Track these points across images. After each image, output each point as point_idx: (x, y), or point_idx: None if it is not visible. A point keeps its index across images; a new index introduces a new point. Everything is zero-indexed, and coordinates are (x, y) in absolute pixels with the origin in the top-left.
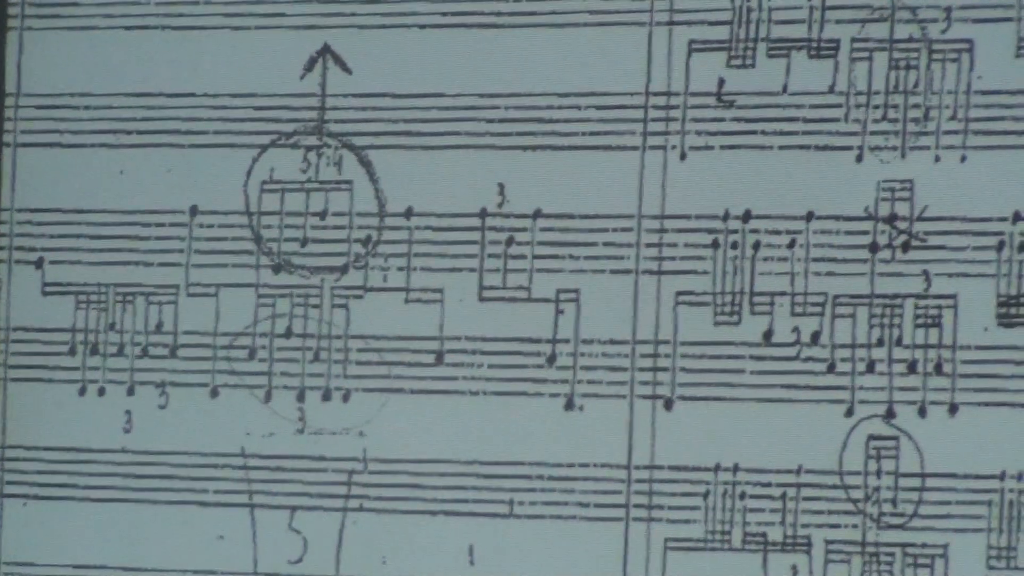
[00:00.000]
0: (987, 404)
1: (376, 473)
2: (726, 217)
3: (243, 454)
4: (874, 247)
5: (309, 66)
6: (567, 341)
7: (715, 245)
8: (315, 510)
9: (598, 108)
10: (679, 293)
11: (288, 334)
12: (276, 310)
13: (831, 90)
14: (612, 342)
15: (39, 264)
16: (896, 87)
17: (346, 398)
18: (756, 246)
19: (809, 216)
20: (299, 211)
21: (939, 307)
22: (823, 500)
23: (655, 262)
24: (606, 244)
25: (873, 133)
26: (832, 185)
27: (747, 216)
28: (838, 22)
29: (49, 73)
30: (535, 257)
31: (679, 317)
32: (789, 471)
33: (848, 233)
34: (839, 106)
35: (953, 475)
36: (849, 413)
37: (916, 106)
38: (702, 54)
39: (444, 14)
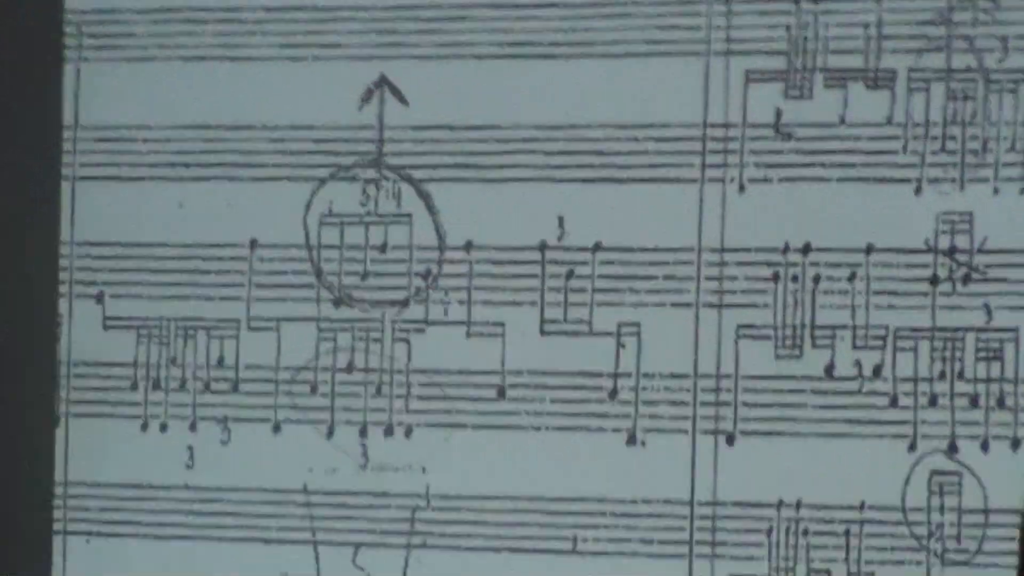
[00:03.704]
0: None
1: (439, 509)
2: (786, 250)
3: (306, 490)
4: (934, 280)
5: (367, 97)
6: (628, 375)
7: (775, 278)
8: (379, 546)
9: (656, 140)
10: (740, 326)
11: (350, 368)
12: (337, 344)
13: (889, 121)
14: (673, 376)
15: (100, 298)
16: (954, 118)
17: (408, 433)
18: (816, 279)
19: (869, 249)
20: (359, 244)
21: (1000, 340)
22: (887, 536)
23: (716, 295)
24: (666, 277)
25: (931, 165)
26: (891, 217)
27: (807, 249)
28: (894, 52)
29: (107, 105)
30: (595, 290)
31: (740, 351)
32: (852, 507)
33: (908, 266)
34: (897, 137)
35: (1016, 511)
36: (912, 448)
37: (974, 137)
38: (759, 84)
39: (502, 44)
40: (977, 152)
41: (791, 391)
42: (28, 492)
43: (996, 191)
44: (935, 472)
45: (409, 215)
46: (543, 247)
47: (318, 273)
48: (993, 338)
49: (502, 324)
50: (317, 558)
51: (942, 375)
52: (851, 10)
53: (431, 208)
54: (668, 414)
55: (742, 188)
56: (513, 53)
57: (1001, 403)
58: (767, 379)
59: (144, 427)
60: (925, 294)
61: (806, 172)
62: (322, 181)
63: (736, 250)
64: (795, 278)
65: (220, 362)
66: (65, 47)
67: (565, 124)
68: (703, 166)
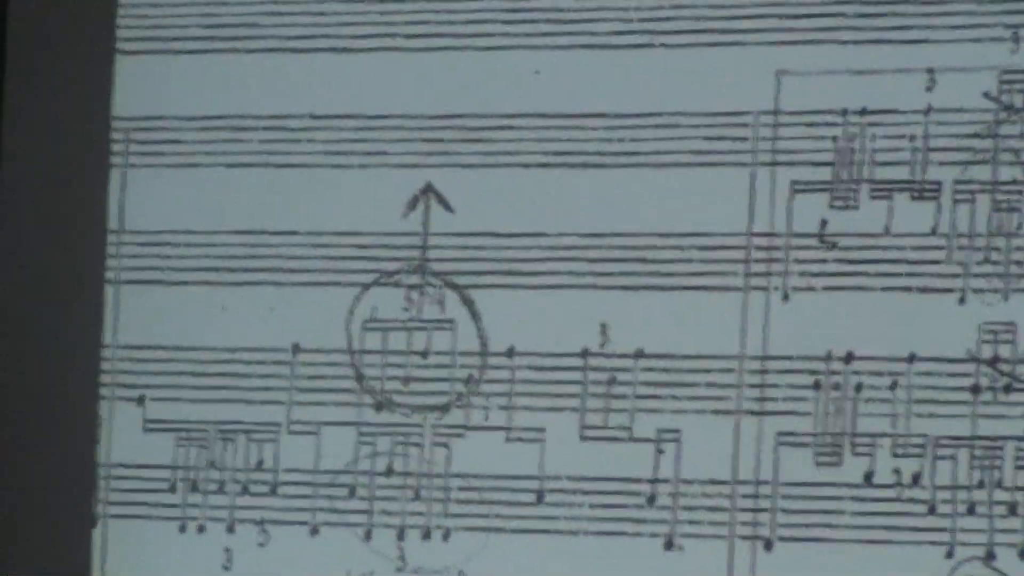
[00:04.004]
0: None
1: None
2: (828, 358)
3: None
4: (976, 389)
5: (412, 205)
6: (667, 481)
7: (817, 386)
8: None
9: (700, 248)
10: (780, 434)
11: (389, 472)
12: (377, 448)
13: (933, 232)
14: (713, 482)
15: (140, 401)
16: (999, 229)
17: (446, 537)
18: (858, 387)
19: (911, 358)
20: (401, 349)
21: None
22: None
23: (757, 403)
24: (708, 384)
25: (975, 275)
26: (934, 327)
27: (849, 357)
28: (941, 164)
29: (151, 210)
30: (637, 396)
31: (780, 458)
32: None
33: (950, 375)
34: (942, 247)
35: None
36: (949, 555)
37: (1019, 248)
38: (805, 195)
39: (547, 153)
40: (1022, 263)
41: (830, 498)
42: None
43: None
44: None
45: (452, 320)
46: (585, 353)
47: (359, 378)
48: None
49: (542, 429)
50: None
51: (981, 483)
52: (898, 122)
53: (474, 314)
54: (707, 519)
55: (786, 297)
56: (559, 162)
57: None
58: (806, 485)
59: (182, 528)
60: (967, 403)
61: (850, 281)
62: (366, 287)
63: (778, 357)
64: (837, 386)
65: (259, 465)
66: (112, 153)
67: (609, 232)
68: (747, 274)
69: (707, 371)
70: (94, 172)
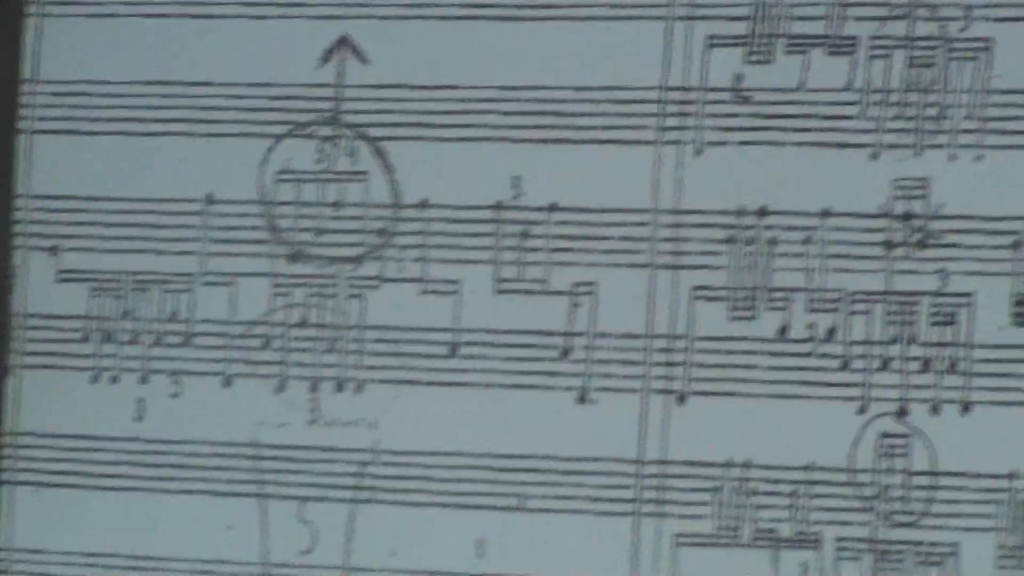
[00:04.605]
0: (1001, 403)
1: (387, 465)
2: (742, 213)
3: (255, 444)
4: (889, 244)
5: (326, 56)
6: (582, 334)
7: (731, 241)
8: (325, 501)
9: (615, 102)
10: (695, 288)
11: (303, 324)
12: (291, 300)
13: (848, 87)
14: (627, 336)
15: (54, 251)
16: (913, 85)
17: (359, 389)
18: (772, 242)
19: (825, 213)
20: (314, 201)
21: (955, 305)
22: (834, 497)
23: (672, 257)
24: (622, 238)
25: (889, 131)
26: (848, 182)
27: (763, 212)
28: (858, 19)
29: (66, 60)
30: (551, 250)
31: (695, 312)
32: (800, 468)
33: (864, 230)
34: (856, 103)
35: (965, 474)
36: (862, 410)
37: (932, 104)
38: (721, 49)
39: (464, 6)
40: (935, 119)
41: (744, 352)
42: None
43: (952, 157)
44: (884, 435)
45: (365, 173)
46: (499, 206)
47: (273, 229)
48: (947, 303)
49: (457, 282)
50: (264, 512)
51: (895, 339)
52: None
53: (387, 166)
54: (620, 373)
55: (699, 151)
56: (475, 15)
57: (953, 367)
58: (720, 340)
59: (95, 379)
60: (880, 258)
61: (764, 136)
62: (279, 138)
63: (692, 211)
64: (750, 241)
65: (173, 316)
66: (27, 2)
67: (524, 85)
68: (660, 128)
69: (621, 224)
70: (9, 20)
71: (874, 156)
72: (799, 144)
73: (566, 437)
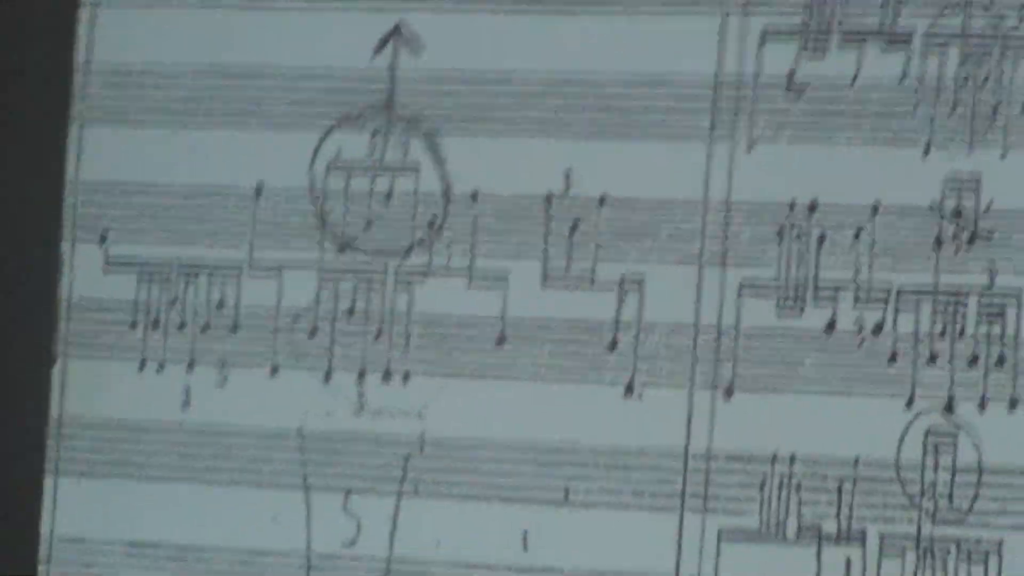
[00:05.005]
0: None
1: (433, 456)
2: (792, 207)
3: (301, 433)
4: (939, 240)
5: (379, 46)
6: (630, 327)
7: (780, 235)
8: (370, 492)
9: (667, 96)
10: (743, 282)
11: (350, 313)
12: (339, 290)
13: (901, 82)
14: (674, 329)
15: (103, 239)
16: (966, 81)
17: (406, 379)
18: (821, 237)
19: (875, 208)
20: (365, 192)
21: (1002, 301)
22: (879, 494)
23: (720, 251)
24: (672, 232)
25: (941, 127)
26: (899, 178)
27: (813, 206)
28: (912, 15)
29: (118, 48)
30: (599, 243)
31: (742, 306)
32: (846, 463)
33: (914, 226)
34: (908, 99)
35: (1010, 471)
36: (909, 405)
37: (985, 101)
38: (775, 43)
39: None
40: (987, 115)
41: (791, 346)
42: (23, 429)
43: (1004, 154)
44: (931, 430)
45: (417, 164)
46: (549, 198)
47: (323, 219)
48: (995, 299)
49: (505, 274)
50: (308, 502)
51: (942, 334)
52: None
53: (438, 158)
54: (667, 367)
55: (752, 146)
56: (528, 7)
57: (1000, 363)
58: (768, 335)
59: (141, 367)
60: (929, 255)
61: (816, 131)
62: (330, 128)
63: (742, 206)
64: (800, 235)
65: (220, 304)
66: None
67: (576, 78)
68: (713, 122)
69: (671, 219)
70: (63, 8)
71: (926, 152)
72: (851, 139)
73: (612, 430)
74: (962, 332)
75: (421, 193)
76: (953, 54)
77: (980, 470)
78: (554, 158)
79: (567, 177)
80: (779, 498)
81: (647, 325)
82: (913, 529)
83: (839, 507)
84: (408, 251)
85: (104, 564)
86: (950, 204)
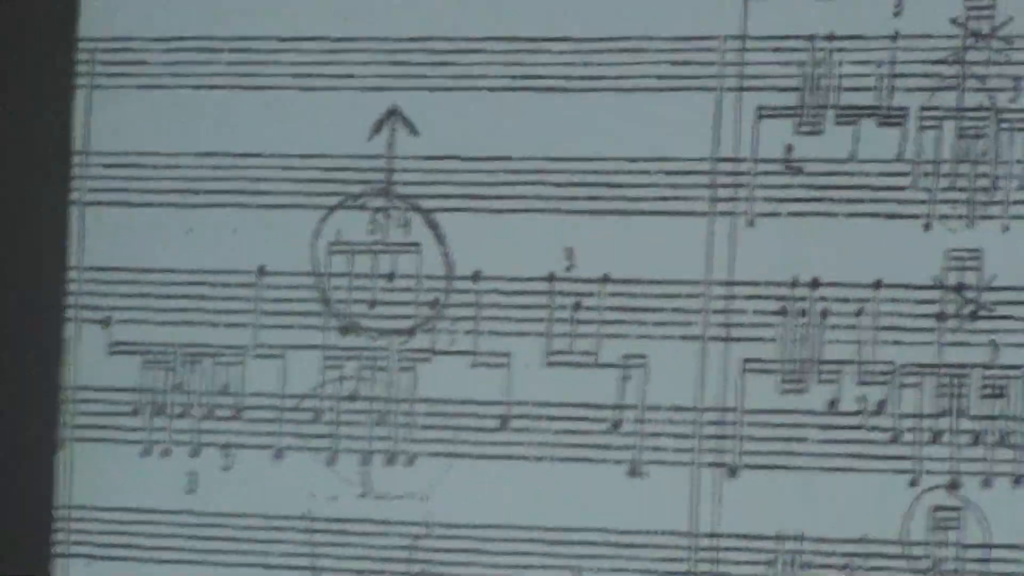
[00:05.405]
0: None
1: (440, 538)
2: (794, 284)
3: (307, 517)
4: (941, 316)
5: (377, 128)
6: (633, 407)
7: (783, 312)
8: (378, 574)
9: (666, 173)
10: (746, 360)
11: (354, 397)
12: (343, 372)
13: (899, 158)
14: (678, 408)
15: (106, 323)
16: (964, 156)
17: (411, 462)
18: (824, 314)
19: (877, 284)
20: (367, 273)
21: (1006, 377)
22: (887, 570)
23: (723, 329)
24: (674, 310)
25: (941, 202)
26: (900, 253)
27: (815, 283)
28: (907, 90)
29: (117, 131)
30: (602, 322)
31: (746, 384)
32: (853, 540)
33: (916, 302)
34: (907, 174)
35: (1018, 547)
36: (914, 483)
37: (984, 175)
38: (771, 120)
39: (513, 77)
40: (987, 189)
41: (795, 425)
42: (29, 515)
43: (1006, 228)
44: (937, 507)
45: (418, 244)
46: (551, 278)
47: (325, 301)
48: (998, 375)
49: (507, 354)
50: None
51: (946, 411)
52: (865, 48)
53: (440, 237)
54: (672, 446)
55: (751, 222)
56: (524, 86)
57: (1004, 440)
58: (771, 413)
59: (146, 452)
60: (932, 330)
61: (816, 207)
62: (331, 209)
63: (744, 283)
64: (802, 312)
65: (225, 389)
66: (78, 73)
67: (575, 156)
68: (712, 200)
69: (673, 296)
70: (60, 93)
71: (926, 227)
72: (851, 215)
73: (618, 510)
74: (964, 410)
75: (423, 274)
76: (949, 130)
77: (988, 546)
78: (555, 237)
79: (569, 256)
80: None
81: (651, 404)
82: None
83: None
84: (411, 332)
85: None
86: (952, 279)
